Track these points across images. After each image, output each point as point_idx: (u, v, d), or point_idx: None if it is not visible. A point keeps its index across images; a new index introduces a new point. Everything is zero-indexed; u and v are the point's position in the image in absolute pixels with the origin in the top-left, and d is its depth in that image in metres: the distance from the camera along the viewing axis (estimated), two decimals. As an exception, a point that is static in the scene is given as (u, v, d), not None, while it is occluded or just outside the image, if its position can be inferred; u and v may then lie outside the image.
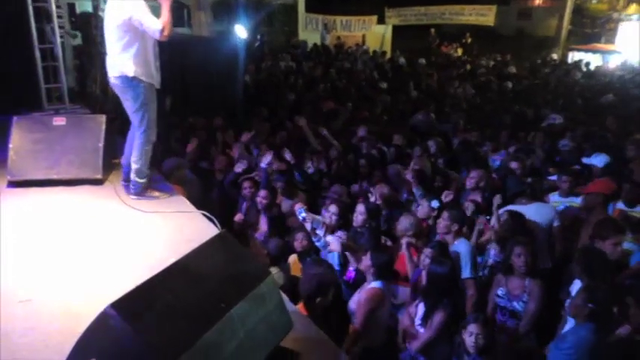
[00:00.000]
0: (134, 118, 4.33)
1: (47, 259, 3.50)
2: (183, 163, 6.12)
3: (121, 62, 4.14)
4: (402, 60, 17.36)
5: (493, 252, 4.53)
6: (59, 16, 7.77)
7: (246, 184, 5.55)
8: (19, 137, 4.83)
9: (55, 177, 4.73)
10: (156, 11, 4.08)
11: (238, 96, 9.73)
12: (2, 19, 6.75)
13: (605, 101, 11.11)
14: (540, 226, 4.71)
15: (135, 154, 4.40)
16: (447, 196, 5.19)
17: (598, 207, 4.64)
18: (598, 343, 3.15)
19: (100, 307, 2.08)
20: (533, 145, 7.08)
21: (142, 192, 4.50)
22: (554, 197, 5.32)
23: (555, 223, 4.70)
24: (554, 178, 5.65)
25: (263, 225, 5.21)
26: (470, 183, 5.37)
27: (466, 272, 4.25)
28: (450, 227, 4.45)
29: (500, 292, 4.04)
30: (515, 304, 3.93)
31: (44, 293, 3.09)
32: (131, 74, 4.13)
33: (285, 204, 5.52)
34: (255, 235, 5.12)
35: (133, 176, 4.45)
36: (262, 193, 5.23)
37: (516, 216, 4.56)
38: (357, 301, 3.77)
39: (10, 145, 4.77)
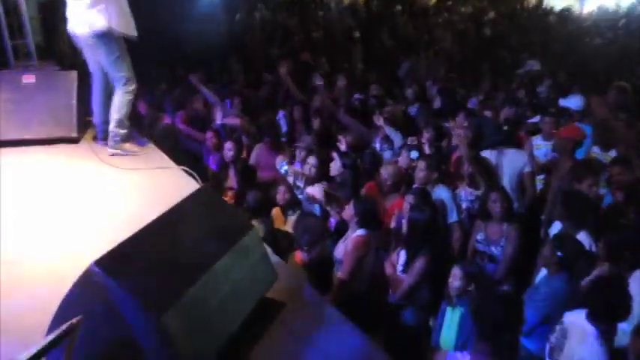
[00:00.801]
0: (111, 71, 4.24)
1: (28, 221, 3.46)
2: (173, 129, 6.04)
3: (92, 16, 3.98)
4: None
5: (464, 193, 4.60)
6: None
7: (209, 134, 5.51)
8: (-13, 97, 4.69)
9: (28, 137, 4.63)
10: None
11: (214, 49, 9.52)
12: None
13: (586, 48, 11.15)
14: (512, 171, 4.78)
15: (116, 104, 4.32)
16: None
17: (567, 152, 4.71)
18: (572, 292, 3.21)
19: (82, 266, 2.08)
20: (514, 93, 7.09)
21: (121, 143, 4.42)
22: (537, 140, 5.37)
23: (526, 169, 4.77)
24: (535, 120, 5.69)
25: (232, 178, 5.17)
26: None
27: (452, 217, 4.35)
28: (430, 176, 4.49)
29: (479, 237, 4.13)
30: (493, 248, 4.04)
31: (27, 255, 3.07)
32: (105, 28, 3.99)
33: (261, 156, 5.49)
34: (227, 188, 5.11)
35: (112, 127, 4.37)
36: (228, 144, 5.17)
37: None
38: (342, 251, 3.83)
39: (-20, 105, 4.64)
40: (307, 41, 11.35)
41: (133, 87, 4.34)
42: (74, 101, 4.74)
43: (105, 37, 4.05)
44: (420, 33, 12.56)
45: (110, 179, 4.06)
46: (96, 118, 4.52)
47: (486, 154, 4.81)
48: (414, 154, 5.08)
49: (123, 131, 4.40)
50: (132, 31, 4.22)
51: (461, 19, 15.33)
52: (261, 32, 12.30)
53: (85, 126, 4.96)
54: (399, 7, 17.04)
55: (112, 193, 3.83)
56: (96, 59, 4.30)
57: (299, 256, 3.55)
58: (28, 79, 4.81)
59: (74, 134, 4.69)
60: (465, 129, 4.97)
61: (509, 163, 4.75)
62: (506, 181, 4.64)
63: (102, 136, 4.53)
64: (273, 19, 14.25)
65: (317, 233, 3.64)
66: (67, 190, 3.88)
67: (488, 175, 4.57)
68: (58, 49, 8.63)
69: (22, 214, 3.54)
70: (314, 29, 12.88)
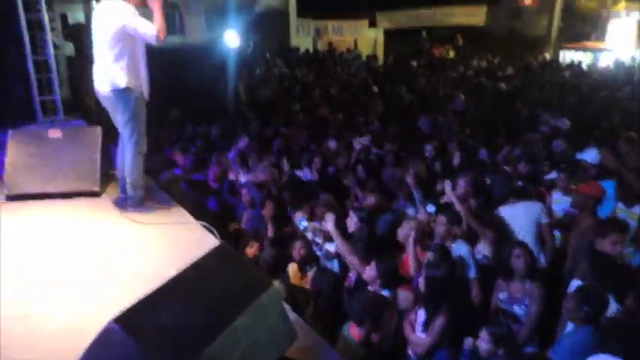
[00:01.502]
0: (124, 130, 4.27)
1: (46, 274, 3.49)
2: (178, 177, 6.12)
3: (113, 74, 4.06)
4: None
5: (480, 250, 4.54)
6: (52, 28, 7.77)
7: (244, 190, 5.54)
8: (15, 151, 4.82)
9: (52, 190, 4.71)
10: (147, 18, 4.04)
11: (231, 104, 9.76)
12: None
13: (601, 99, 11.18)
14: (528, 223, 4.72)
15: (127, 166, 4.34)
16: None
17: (588, 210, 4.66)
18: (599, 343, 3.14)
19: (100, 322, 2.08)
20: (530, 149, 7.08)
21: (139, 204, 4.44)
22: (556, 195, 5.33)
23: (543, 220, 4.71)
24: (552, 176, 5.66)
25: (270, 232, 5.15)
26: (460, 192, 5.32)
27: (471, 273, 4.27)
28: (451, 230, 4.45)
29: (501, 296, 4.04)
30: (516, 307, 3.94)
31: (44, 308, 3.08)
32: (123, 85, 4.06)
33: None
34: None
35: (128, 189, 4.40)
36: (268, 203, 5.21)
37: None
38: None
39: (7, 159, 4.76)
40: (325, 96, 11.57)
41: (143, 149, 4.34)
42: (97, 156, 4.83)
43: (123, 94, 4.11)
44: (436, 87, 12.74)
45: (130, 234, 4.10)
46: (119, 171, 4.56)
47: (500, 210, 4.78)
48: (431, 207, 5.06)
49: (138, 193, 4.41)
50: (146, 93, 4.28)
51: (476, 74, 15.58)
52: (278, 87, 12.61)
53: (108, 180, 5.05)
54: (414, 63, 17.44)
55: (132, 248, 3.85)
56: (115, 119, 4.36)
57: (352, 329, 3.46)
58: (54, 134, 4.94)
59: (96, 188, 4.77)
60: (466, 184, 5.00)
61: (524, 215, 4.71)
62: (523, 234, 4.58)
63: (122, 190, 4.56)
64: (291, 75, 14.65)
65: (380, 308, 3.57)
66: (87, 244, 3.92)
67: (498, 230, 4.52)
68: (84, 105, 8.94)
69: (42, 267, 3.57)
70: (331, 84, 13.17)
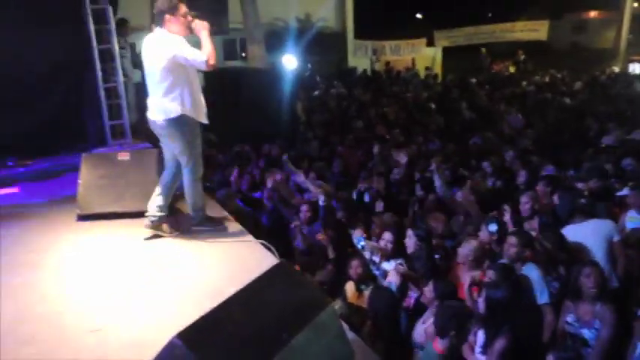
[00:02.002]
0: (181, 157, 4.28)
1: (114, 289, 3.64)
2: (233, 194, 6.25)
3: (166, 105, 4.09)
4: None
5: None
6: (122, 56, 8.20)
7: (304, 207, 5.58)
8: (87, 173, 5.09)
9: (120, 210, 4.92)
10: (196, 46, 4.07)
11: (290, 124, 9.93)
12: (73, 63, 7.18)
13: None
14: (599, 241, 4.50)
15: (187, 191, 4.41)
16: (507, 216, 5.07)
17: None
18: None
19: (164, 337, 2.14)
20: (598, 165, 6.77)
21: (201, 222, 4.55)
22: (631, 213, 5.08)
23: (615, 238, 4.47)
24: (624, 193, 5.40)
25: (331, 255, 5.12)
26: (525, 209, 5.15)
27: (543, 298, 4.05)
28: (521, 253, 4.27)
29: (569, 318, 3.85)
30: (585, 331, 3.75)
31: (112, 322, 3.20)
32: (178, 114, 4.09)
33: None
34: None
35: (190, 210, 4.53)
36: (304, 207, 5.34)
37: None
38: (421, 333, 3.69)
39: (80, 181, 5.03)
40: (382, 115, 11.57)
41: (200, 174, 4.37)
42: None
43: (178, 123, 4.12)
44: (497, 104, 12.46)
45: (192, 251, 4.22)
46: (161, 191, 4.48)
47: (568, 229, 4.59)
48: (493, 227, 4.93)
49: (199, 213, 4.51)
50: (203, 118, 4.29)
51: (539, 89, 15.15)
52: (336, 107, 12.72)
53: (173, 200, 5.21)
54: (473, 80, 17.19)
55: (194, 265, 3.96)
56: (169, 146, 4.37)
57: (436, 343, 3.41)
58: (123, 156, 5.19)
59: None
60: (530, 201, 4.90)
61: (594, 233, 4.49)
62: (593, 253, 4.37)
63: (149, 225, 4.45)
64: (349, 95, 14.76)
65: (464, 317, 3.49)
66: (151, 261, 4.06)
67: (566, 248, 4.34)
68: (149, 128, 9.31)
69: (110, 283, 3.73)
70: (389, 103, 13.16)
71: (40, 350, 2.93)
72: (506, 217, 5.05)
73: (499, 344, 3.45)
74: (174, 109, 4.07)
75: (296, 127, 10.36)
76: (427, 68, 20.15)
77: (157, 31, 4.07)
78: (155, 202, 4.41)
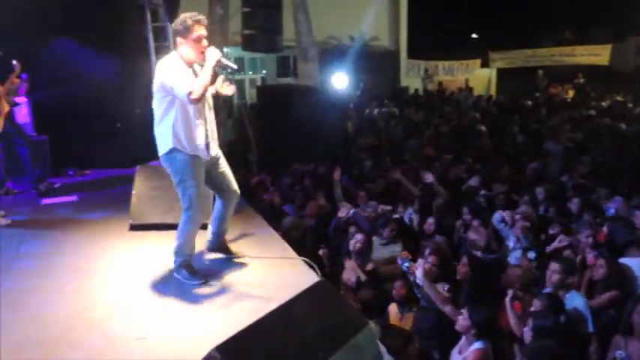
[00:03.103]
0: (179, 193, 3.85)
1: (160, 300, 3.76)
2: (300, 223, 6.24)
3: (160, 135, 3.72)
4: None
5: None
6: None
7: (352, 228, 5.57)
8: (140, 184, 5.28)
9: (170, 221, 5.04)
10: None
11: (340, 144, 9.97)
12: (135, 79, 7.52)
13: None
14: None
15: (179, 230, 3.90)
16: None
17: None
18: None
19: (204, 349, 2.20)
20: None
21: (177, 270, 3.97)
22: None
23: None
24: None
25: (351, 268, 5.07)
26: (586, 240, 4.98)
27: (589, 327, 3.95)
28: (564, 281, 4.17)
29: (618, 355, 3.69)
30: (635, 369, 3.58)
31: (157, 332, 3.30)
32: (170, 146, 3.66)
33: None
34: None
35: (174, 249, 3.96)
36: (358, 236, 5.17)
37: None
38: None
39: (133, 192, 5.23)
40: (435, 135, 11.45)
41: (196, 217, 3.82)
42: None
43: (169, 156, 3.72)
44: (553, 128, 12.09)
45: (235, 265, 4.28)
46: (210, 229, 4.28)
47: (628, 260, 4.40)
48: (532, 254, 4.81)
49: (178, 259, 3.95)
50: (201, 152, 3.76)
51: (599, 114, 14.64)
52: (386, 127, 12.69)
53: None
54: (529, 102, 16.79)
55: (236, 280, 4.02)
56: None
57: None
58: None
59: (207, 221, 5.05)
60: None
61: None
62: None
63: (210, 247, 4.35)
64: (400, 115, 14.72)
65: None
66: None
67: (622, 282, 4.17)
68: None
69: (156, 293, 3.85)
70: (440, 124, 13.03)
71: (87, 355, 3.06)
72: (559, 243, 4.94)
73: None
74: (166, 139, 3.67)
75: (346, 147, 10.39)
76: (485, 96, 19.84)
77: (170, 54, 3.75)
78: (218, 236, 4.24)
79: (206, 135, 3.78)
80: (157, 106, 3.70)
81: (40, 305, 3.64)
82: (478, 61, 21.80)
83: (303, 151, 9.09)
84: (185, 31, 3.59)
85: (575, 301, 4.07)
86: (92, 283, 4.02)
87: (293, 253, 4.50)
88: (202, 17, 3.63)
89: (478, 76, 22.05)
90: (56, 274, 4.15)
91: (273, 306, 2.50)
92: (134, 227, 5.11)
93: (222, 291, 3.84)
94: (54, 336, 3.25)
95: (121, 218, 5.30)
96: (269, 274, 4.10)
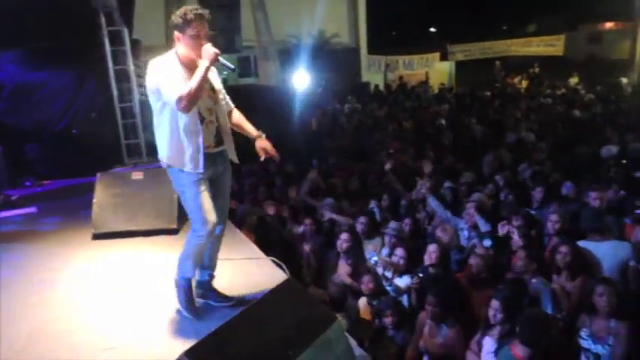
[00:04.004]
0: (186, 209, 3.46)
1: (127, 308, 3.69)
2: (254, 210, 6.29)
3: (157, 143, 3.34)
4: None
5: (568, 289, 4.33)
6: (138, 76, 8.37)
7: (307, 221, 5.60)
8: (101, 192, 5.19)
9: (134, 228, 5.00)
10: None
11: (305, 141, 10.00)
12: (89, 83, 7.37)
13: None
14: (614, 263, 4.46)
15: (185, 244, 3.49)
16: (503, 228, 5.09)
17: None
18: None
19: (174, 354, 2.18)
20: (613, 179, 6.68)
21: (176, 287, 3.57)
22: None
23: (631, 263, 4.42)
24: None
25: (342, 268, 5.09)
26: (553, 227, 5.11)
27: (548, 311, 4.07)
28: (528, 267, 4.32)
29: (583, 333, 3.82)
30: (599, 347, 3.70)
31: (125, 341, 3.25)
32: (164, 159, 3.32)
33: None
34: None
35: (175, 275, 3.54)
36: (344, 235, 5.09)
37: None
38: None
39: (94, 200, 5.13)
40: (398, 131, 11.56)
41: (203, 232, 3.32)
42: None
43: (169, 170, 3.37)
44: (509, 118, 12.35)
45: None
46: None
47: (583, 244, 4.55)
48: (488, 242, 4.93)
49: (179, 276, 3.53)
50: (194, 168, 3.25)
51: (554, 102, 15.04)
52: (349, 123, 12.76)
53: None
54: (488, 93, 17.15)
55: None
56: None
57: (515, 349, 3.44)
58: (137, 175, 5.28)
59: (174, 226, 5.01)
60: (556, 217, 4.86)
61: (612, 254, 4.44)
62: (607, 273, 4.32)
63: (197, 293, 3.65)
64: (363, 110, 14.82)
65: (550, 327, 3.54)
66: (163, 279, 4.10)
67: (587, 266, 4.31)
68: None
69: (122, 302, 3.79)
70: (403, 119, 13.17)
71: (53, 369, 2.99)
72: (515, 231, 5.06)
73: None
74: (162, 149, 3.32)
75: (311, 144, 10.41)
76: (442, 85, 20.15)
77: (165, 54, 3.31)
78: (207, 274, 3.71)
79: (209, 145, 3.31)
80: (153, 111, 3.30)
81: (1, 319, 3.53)
82: (437, 55, 22.18)
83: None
84: (184, 26, 3.15)
85: (539, 286, 4.20)
86: (56, 294, 3.93)
87: (260, 253, 4.49)
88: (205, 11, 3.23)
89: (438, 70, 22.40)
90: (17, 288, 4.04)
91: (241, 307, 2.49)
92: (97, 236, 5.01)
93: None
94: (16, 350, 3.17)
95: (82, 228, 5.20)
96: (237, 276, 4.08)
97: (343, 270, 5.03)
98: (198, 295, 3.65)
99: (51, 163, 7.24)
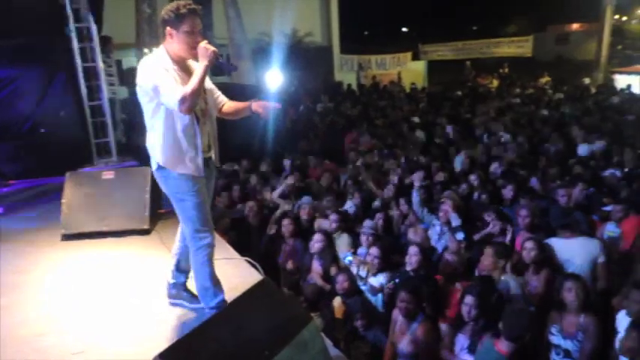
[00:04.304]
0: (180, 218, 3.31)
1: (97, 310, 3.62)
2: (226, 212, 6.23)
3: (150, 146, 3.20)
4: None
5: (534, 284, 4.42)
6: (109, 74, 8.23)
7: (285, 221, 5.54)
8: (70, 192, 5.07)
9: (104, 229, 4.92)
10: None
11: (278, 141, 9.95)
12: (57, 81, 7.20)
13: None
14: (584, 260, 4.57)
15: (193, 267, 3.35)
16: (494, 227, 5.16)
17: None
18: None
19: (147, 357, 2.15)
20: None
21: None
22: (610, 227, 5.14)
23: (600, 259, 4.54)
24: (609, 208, 5.44)
25: (316, 269, 5.06)
26: (523, 221, 5.20)
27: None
28: (496, 264, 4.38)
29: (553, 329, 3.89)
30: (569, 342, 3.78)
31: (95, 345, 3.19)
32: (159, 162, 3.16)
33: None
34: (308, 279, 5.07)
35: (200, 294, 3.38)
36: (317, 236, 5.09)
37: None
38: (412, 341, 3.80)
39: (63, 200, 5.01)
40: (370, 130, 11.61)
41: (206, 241, 3.25)
42: (147, 195, 5.01)
43: (161, 173, 3.20)
44: (480, 117, 12.53)
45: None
46: (174, 250, 3.60)
47: (554, 241, 4.64)
48: (460, 235, 5.00)
49: (213, 301, 3.34)
50: (196, 170, 3.18)
51: (523, 102, 15.31)
52: (321, 122, 12.76)
53: (157, 217, 5.22)
54: (458, 93, 17.38)
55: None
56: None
57: (499, 345, 3.47)
58: (108, 175, 5.18)
59: (146, 226, 4.94)
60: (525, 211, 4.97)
61: (581, 251, 4.55)
62: (577, 270, 4.42)
63: (170, 294, 3.61)
64: (335, 110, 14.84)
65: (535, 321, 3.61)
66: (135, 280, 4.05)
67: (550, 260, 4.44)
68: (136, 145, 9.33)
69: (92, 304, 3.72)
70: (376, 117, 13.24)
71: (21, 374, 2.91)
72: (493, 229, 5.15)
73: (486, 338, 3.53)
74: (157, 152, 3.17)
75: (284, 143, 10.37)
76: (413, 84, 20.35)
77: (154, 51, 3.18)
78: (171, 265, 3.60)
79: (204, 149, 3.21)
80: (145, 112, 3.14)
81: (-34, 325, 3.44)
82: (409, 54, 22.40)
83: (242, 150, 9.01)
84: (177, 22, 3.00)
85: (509, 282, 4.27)
86: (24, 298, 3.83)
87: (235, 254, 4.46)
88: (199, 7, 3.08)
89: (410, 69, 22.60)
90: (-17, 292, 3.92)
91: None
92: (66, 237, 4.91)
93: (163, 296, 3.73)
94: (-16, 356, 3.08)
95: (52, 228, 5.08)
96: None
97: (316, 271, 5.03)
98: (171, 297, 3.61)
99: (18, 162, 7.05)
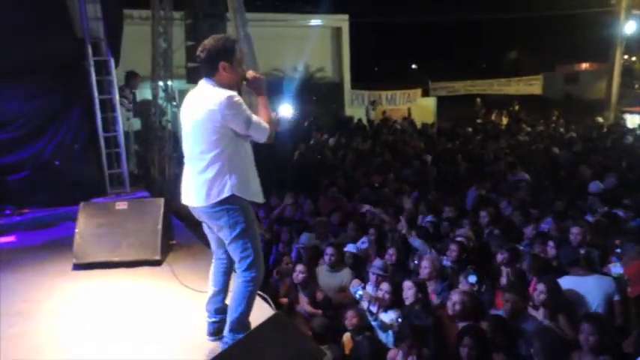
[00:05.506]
0: (233, 249, 3.18)
1: (108, 340, 3.61)
2: None
3: (209, 181, 3.08)
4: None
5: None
6: (127, 109, 8.43)
7: (286, 258, 5.62)
8: (84, 222, 5.11)
9: (116, 259, 4.92)
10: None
11: (291, 174, 10.02)
12: (74, 115, 7.34)
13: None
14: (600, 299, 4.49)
15: (234, 297, 3.19)
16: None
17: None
18: None
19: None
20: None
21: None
22: (615, 269, 5.07)
23: (616, 297, 4.47)
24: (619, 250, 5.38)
25: (303, 301, 5.15)
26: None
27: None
28: (517, 307, 4.28)
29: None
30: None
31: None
32: (226, 194, 3.06)
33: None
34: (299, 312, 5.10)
35: (227, 331, 3.19)
36: (299, 267, 5.23)
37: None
38: None
39: (76, 230, 5.04)
40: (382, 164, 11.64)
41: (256, 274, 3.15)
42: (160, 226, 5.03)
43: (226, 203, 3.09)
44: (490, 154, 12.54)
45: (188, 301, 4.18)
46: (209, 304, 3.47)
47: (570, 279, 4.59)
48: (473, 278, 4.95)
49: (240, 336, 3.01)
50: (257, 197, 3.23)
51: (533, 140, 15.32)
52: (333, 156, 12.84)
53: (169, 249, 5.23)
54: (469, 129, 17.44)
55: (189, 316, 3.92)
56: (217, 234, 3.30)
57: None
58: (121, 205, 5.22)
59: (157, 257, 4.94)
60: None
61: (597, 289, 4.48)
62: (594, 309, 4.35)
63: (210, 331, 3.44)
64: (347, 144, 14.94)
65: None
66: (146, 312, 4.04)
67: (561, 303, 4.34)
68: (148, 176, 9.44)
69: (103, 334, 3.70)
70: (385, 152, 13.29)
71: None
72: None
73: None
74: (221, 191, 3.08)
75: (294, 177, 10.44)
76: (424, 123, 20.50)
77: (204, 85, 3.11)
78: (212, 304, 3.47)
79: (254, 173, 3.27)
80: (195, 145, 3.10)
81: (-22, 353, 3.43)
82: (419, 91, 22.69)
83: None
84: (230, 53, 3.05)
85: (527, 325, 4.16)
86: (36, 326, 3.83)
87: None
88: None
89: (420, 105, 22.81)
90: (-4, 319, 3.93)
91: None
92: (78, 267, 4.92)
93: (177, 328, 3.73)
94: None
95: (63, 258, 5.09)
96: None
97: (304, 301, 5.12)
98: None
99: (32, 192, 7.12)
